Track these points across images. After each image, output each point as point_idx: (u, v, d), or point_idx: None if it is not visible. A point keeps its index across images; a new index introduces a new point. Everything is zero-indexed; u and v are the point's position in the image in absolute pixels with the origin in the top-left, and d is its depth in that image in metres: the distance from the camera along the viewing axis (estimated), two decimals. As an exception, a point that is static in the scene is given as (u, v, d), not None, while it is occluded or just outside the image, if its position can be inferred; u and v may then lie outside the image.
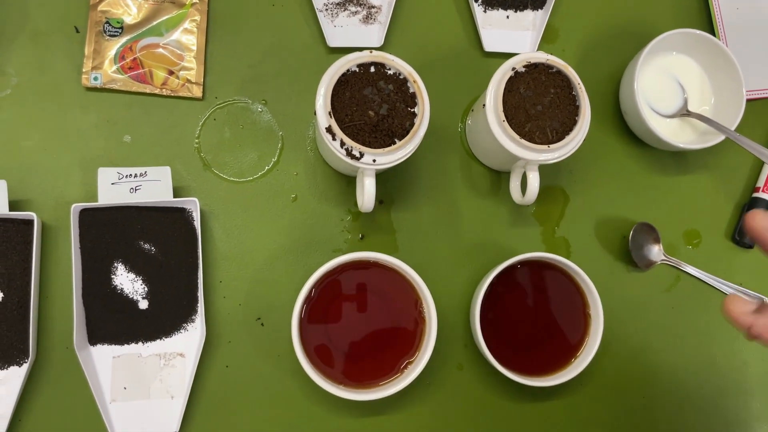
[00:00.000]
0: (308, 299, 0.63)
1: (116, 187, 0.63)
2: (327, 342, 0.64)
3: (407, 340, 0.65)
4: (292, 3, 0.72)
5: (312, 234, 0.69)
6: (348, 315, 0.65)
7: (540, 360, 0.68)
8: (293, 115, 0.70)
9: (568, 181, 0.74)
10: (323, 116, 0.60)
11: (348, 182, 0.70)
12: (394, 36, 0.73)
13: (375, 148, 0.60)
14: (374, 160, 0.61)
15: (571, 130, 0.64)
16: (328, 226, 0.70)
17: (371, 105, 0.61)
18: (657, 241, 0.74)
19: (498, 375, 0.70)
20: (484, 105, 0.64)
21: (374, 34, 0.72)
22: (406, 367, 0.64)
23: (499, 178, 0.73)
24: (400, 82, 0.62)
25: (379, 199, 0.71)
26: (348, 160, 0.60)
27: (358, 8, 0.72)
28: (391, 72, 0.62)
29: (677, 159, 0.77)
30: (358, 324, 0.65)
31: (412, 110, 0.62)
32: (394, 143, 0.61)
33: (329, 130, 0.60)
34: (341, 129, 0.60)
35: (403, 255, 0.63)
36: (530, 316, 0.68)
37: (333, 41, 0.70)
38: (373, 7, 0.72)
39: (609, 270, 0.73)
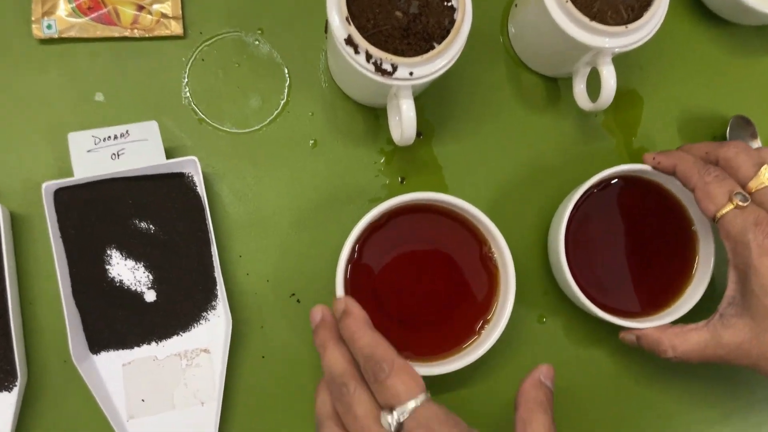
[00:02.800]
0: (350, 261, 0.50)
1: (94, 155, 0.50)
2: (378, 310, 0.51)
3: (479, 296, 0.52)
4: None
5: (342, 184, 0.56)
6: (402, 274, 0.52)
7: (642, 296, 0.55)
8: (298, 44, 0.57)
9: (639, 78, 0.61)
10: (340, 24, 0.47)
11: (376, 116, 0.57)
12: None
13: (410, 56, 0.47)
14: (411, 73, 0.48)
15: (649, 4, 0.51)
16: (360, 172, 0.57)
17: (397, 3, 0.48)
18: (755, 136, 0.61)
19: (588, 326, 0.57)
20: (536, -12, 0.51)
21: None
22: (482, 328, 0.52)
23: (556, 86, 0.60)
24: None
25: (417, 132, 0.58)
26: (378, 77, 0.47)
27: None
28: (416, -41, 0.48)
29: (766, 35, 0.63)
30: (415, 284, 0.53)
31: (449, 3, 0.49)
32: (433, 47, 0.48)
33: (350, 41, 0.47)
34: (365, 38, 0.47)
35: (454, 194, 0.51)
36: (624, 245, 0.56)
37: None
38: None
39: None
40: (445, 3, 0.48)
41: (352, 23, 0.47)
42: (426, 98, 0.58)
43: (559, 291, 0.57)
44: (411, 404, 0.41)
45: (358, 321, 0.44)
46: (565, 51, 0.53)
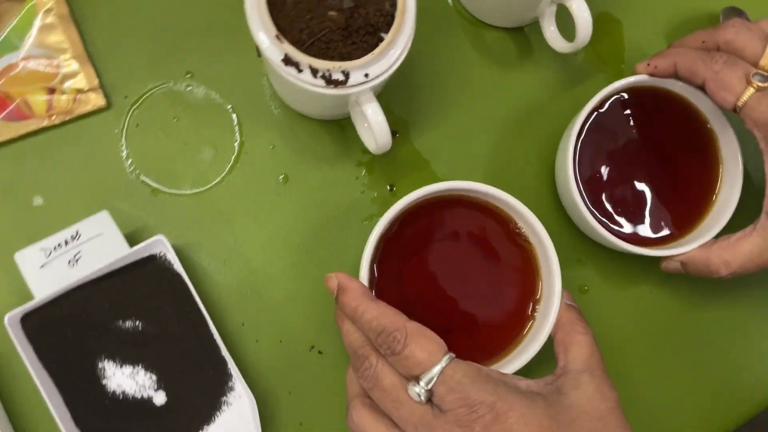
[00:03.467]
0: (372, 284, 0.44)
1: (49, 269, 0.44)
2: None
3: (520, 277, 0.47)
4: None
5: (328, 212, 0.50)
6: (433, 281, 0.47)
7: (673, 216, 0.50)
8: (234, 76, 0.51)
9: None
10: (272, 45, 0.41)
11: (341, 128, 0.51)
12: None
13: (359, 57, 0.41)
14: (366, 75, 0.42)
15: None
16: (343, 192, 0.51)
17: (327, 2, 0.41)
18: (750, 25, 0.55)
19: (624, 266, 0.52)
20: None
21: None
22: (534, 310, 0.46)
23: (524, 35, 0.54)
24: (351, -45, 0.42)
25: (393, 130, 0.52)
26: (331, 91, 0.41)
27: None
28: (332, -54, 0.42)
29: None
30: (450, 285, 0.47)
31: (385, -14, 0.42)
32: (381, 39, 0.42)
33: (288, 60, 0.41)
34: (304, 52, 0.41)
35: (452, 179, 0.45)
36: (639, 167, 0.50)
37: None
38: None
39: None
40: (379, -15, 0.42)
41: (284, 40, 0.40)
42: (390, 92, 0.52)
43: (586, 240, 0.52)
44: (436, 369, 0.37)
45: (356, 295, 0.40)
46: (524, -4, 0.47)
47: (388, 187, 0.51)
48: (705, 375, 0.52)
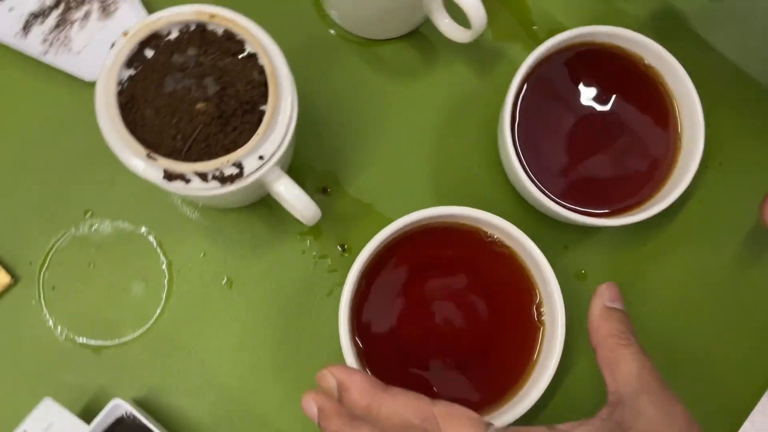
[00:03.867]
0: (360, 353, 0.40)
1: (10, 482, 0.40)
2: (423, 375, 0.42)
3: (512, 290, 0.43)
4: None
5: (286, 300, 0.46)
6: (424, 324, 0.43)
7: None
8: (136, 195, 0.46)
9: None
10: (147, 166, 0.36)
11: (268, 207, 0.46)
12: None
13: (246, 141, 0.36)
14: (261, 157, 0.37)
15: None
16: (295, 272, 0.46)
17: (190, 95, 0.36)
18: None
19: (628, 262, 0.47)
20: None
21: (128, 18, 0.46)
22: (540, 315, 0.42)
23: (422, 38, 0.49)
24: (196, 37, 0.37)
25: (322, 188, 0.47)
26: (230, 188, 0.36)
27: (81, 10, 0.46)
28: (173, 35, 0.37)
29: None
30: (443, 325, 0.43)
31: (245, 53, 0.37)
32: (262, 113, 0.37)
33: (171, 176, 0.36)
34: (182, 160, 0.36)
35: (403, 214, 0.41)
36: (587, 133, 0.45)
37: (87, 72, 0.45)
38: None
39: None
40: (240, 57, 0.37)
41: (157, 156, 0.35)
42: (303, 150, 0.47)
43: (564, 225, 0.47)
44: None
45: (365, 389, 0.33)
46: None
47: (340, 249, 0.46)
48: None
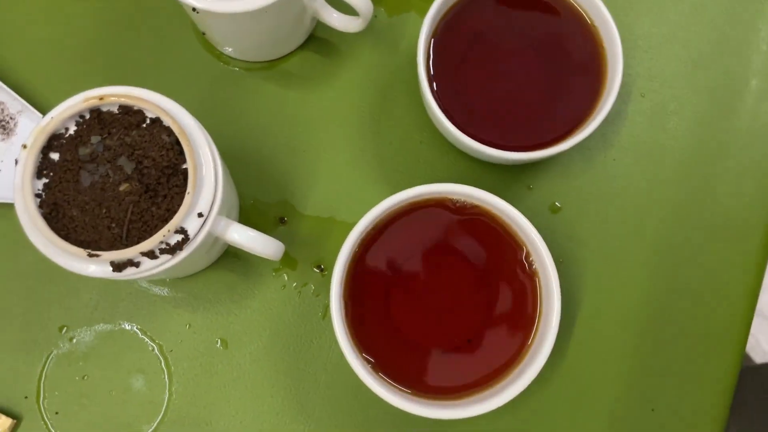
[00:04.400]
0: (369, 364, 0.39)
1: None
2: (426, 357, 0.41)
3: (494, 249, 0.42)
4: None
5: (283, 337, 0.45)
6: (421, 300, 0.42)
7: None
8: (102, 295, 0.45)
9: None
10: (95, 267, 0.35)
11: (232, 255, 0.46)
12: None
13: (179, 206, 0.36)
14: (200, 214, 0.36)
15: None
16: (282, 309, 0.45)
17: (110, 181, 0.35)
18: None
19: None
20: (194, 10, 0.39)
21: (29, 129, 0.45)
22: (531, 265, 0.41)
23: (319, 41, 0.48)
24: (94, 124, 0.36)
25: (279, 218, 0.46)
26: (182, 255, 0.36)
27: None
28: (71, 130, 0.36)
29: None
30: (445, 296, 0.42)
31: (147, 121, 0.37)
32: (186, 171, 0.36)
33: (119, 266, 0.35)
34: (125, 246, 0.35)
35: (360, 217, 0.40)
36: (511, 75, 0.45)
37: (10, 194, 0.44)
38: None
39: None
40: (143, 126, 0.36)
41: (99, 252, 0.34)
42: (243, 192, 0.46)
43: (523, 167, 0.46)
44: None
45: None
46: (282, 14, 0.41)
47: (318, 270, 0.46)
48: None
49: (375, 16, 0.48)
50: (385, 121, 0.48)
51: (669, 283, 0.46)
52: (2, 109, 0.45)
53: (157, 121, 0.36)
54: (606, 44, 0.43)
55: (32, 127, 0.44)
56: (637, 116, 0.48)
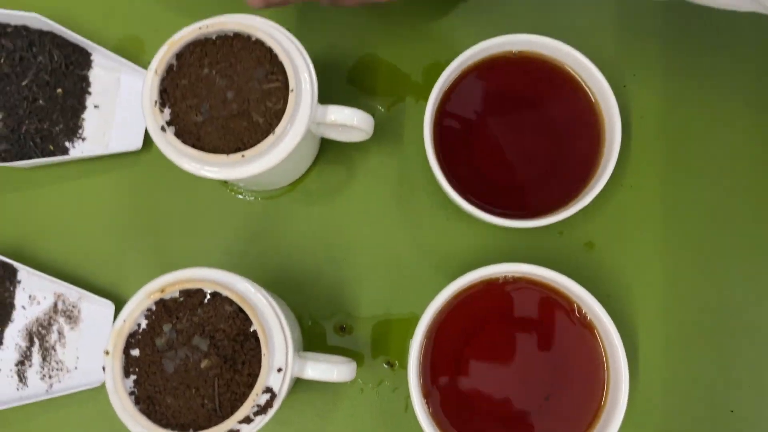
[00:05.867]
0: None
1: None
2: None
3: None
4: None
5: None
6: (496, 377, 0.45)
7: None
8: None
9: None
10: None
11: (305, 384, 0.48)
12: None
13: (259, 367, 0.38)
14: (279, 369, 0.39)
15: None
16: (366, 412, 0.48)
17: (191, 362, 0.38)
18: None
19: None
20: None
21: (90, 313, 0.48)
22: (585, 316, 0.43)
23: (327, 158, 0.51)
24: (162, 314, 0.39)
25: (338, 328, 0.49)
26: (275, 408, 0.38)
27: (52, 332, 0.48)
28: (143, 325, 0.39)
29: None
30: (518, 368, 0.45)
31: (207, 296, 0.39)
32: (255, 333, 0.39)
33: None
34: (222, 419, 0.38)
35: (421, 302, 0.42)
36: (514, 147, 0.47)
37: (97, 378, 0.47)
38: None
39: None
40: (204, 302, 0.39)
41: (197, 430, 0.37)
42: (303, 319, 0.49)
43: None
44: None
45: None
46: (297, 151, 0.44)
47: (388, 366, 0.48)
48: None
49: (373, 113, 0.51)
50: (413, 210, 0.50)
51: (722, 291, 0.48)
52: (63, 300, 0.48)
53: (216, 295, 0.39)
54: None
55: (95, 310, 0.48)
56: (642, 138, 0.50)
